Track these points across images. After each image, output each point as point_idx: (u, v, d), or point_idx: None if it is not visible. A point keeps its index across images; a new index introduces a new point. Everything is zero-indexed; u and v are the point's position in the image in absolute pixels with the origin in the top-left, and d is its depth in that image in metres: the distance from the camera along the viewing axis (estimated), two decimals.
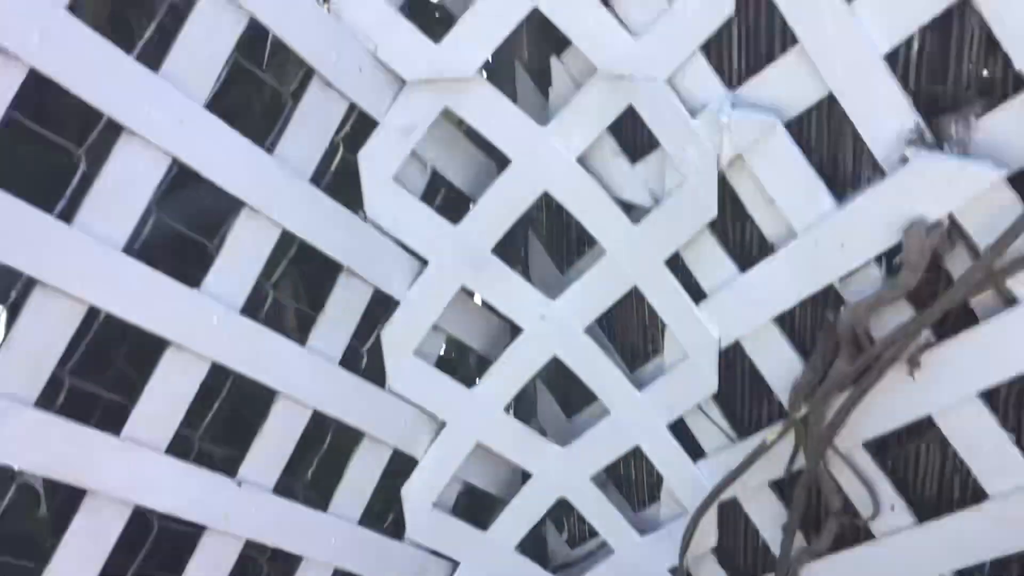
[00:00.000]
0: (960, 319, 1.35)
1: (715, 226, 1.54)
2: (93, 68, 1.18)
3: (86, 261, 1.22)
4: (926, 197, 1.30)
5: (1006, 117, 1.25)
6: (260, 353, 1.45)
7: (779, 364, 1.54)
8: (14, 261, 1.16)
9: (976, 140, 1.27)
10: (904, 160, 1.31)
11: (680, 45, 1.43)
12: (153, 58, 1.25)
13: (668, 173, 1.54)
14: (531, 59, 1.72)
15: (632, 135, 1.62)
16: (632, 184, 1.60)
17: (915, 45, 1.32)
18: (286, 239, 1.47)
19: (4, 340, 1.20)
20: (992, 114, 1.26)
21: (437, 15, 1.75)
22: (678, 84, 1.46)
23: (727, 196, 1.50)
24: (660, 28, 1.44)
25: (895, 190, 1.32)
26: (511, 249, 1.82)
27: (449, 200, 1.74)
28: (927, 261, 1.31)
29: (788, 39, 1.37)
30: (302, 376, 1.52)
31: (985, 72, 1.28)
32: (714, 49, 1.46)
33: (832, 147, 1.43)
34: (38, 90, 1.14)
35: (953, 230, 1.30)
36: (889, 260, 1.38)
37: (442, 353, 1.86)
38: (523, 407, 1.95)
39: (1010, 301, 1.30)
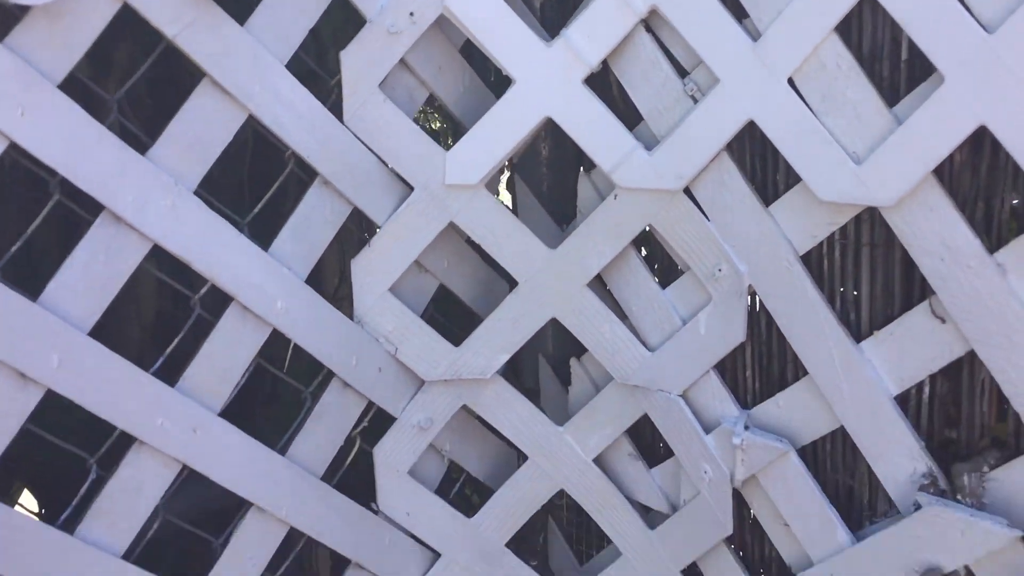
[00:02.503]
0: None
1: (732, 539, 1.50)
2: (110, 386, 1.23)
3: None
4: (940, 546, 1.25)
5: (1020, 473, 1.20)
6: None
7: None
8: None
9: (991, 491, 1.23)
10: (917, 506, 1.26)
11: (694, 363, 1.44)
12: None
13: (684, 483, 1.51)
14: (555, 354, 1.74)
15: (651, 440, 1.61)
16: (648, 488, 1.58)
17: (926, 390, 1.30)
18: (295, 535, 1.48)
19: None
20: (1006, 468, 1.21)
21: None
22: (693, 399, 1.46)
23: (745, 509, 1.47)
24: (674, 345, 1.45)
25: (909, 535, 1.27)
26: (527, 543, 1.79)
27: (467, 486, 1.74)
28: None
29: (800, 368, 1.36)
30: None
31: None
32: (729, 368, 1.47)
33: (848, 478, 1.40)
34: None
35: None
36: None
37: None
38: None
39: None
